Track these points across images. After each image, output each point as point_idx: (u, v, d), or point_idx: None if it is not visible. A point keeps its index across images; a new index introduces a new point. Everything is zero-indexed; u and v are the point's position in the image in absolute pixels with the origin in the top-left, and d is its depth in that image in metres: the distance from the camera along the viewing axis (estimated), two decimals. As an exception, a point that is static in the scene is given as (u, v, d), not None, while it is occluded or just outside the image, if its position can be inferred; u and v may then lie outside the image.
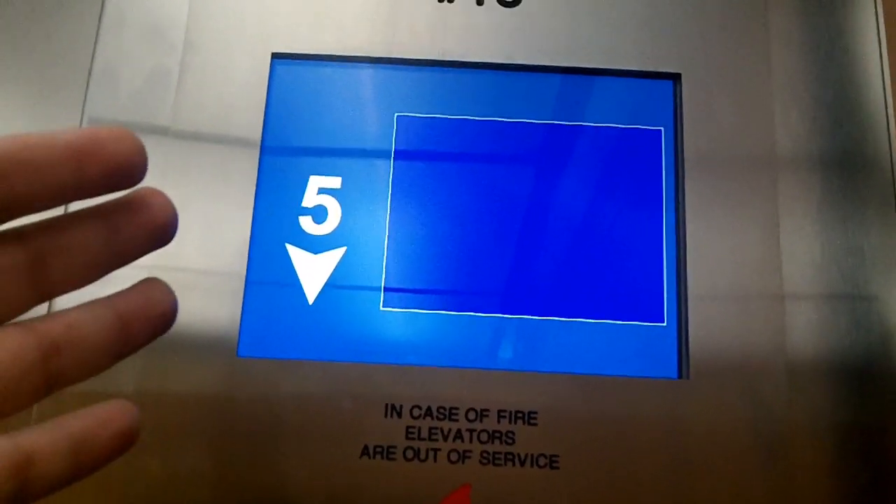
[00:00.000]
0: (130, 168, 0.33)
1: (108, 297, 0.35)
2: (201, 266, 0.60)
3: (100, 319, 0.34)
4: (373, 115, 0.64)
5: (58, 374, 0.33)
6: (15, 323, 0.33)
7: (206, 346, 0.59)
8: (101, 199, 0.35)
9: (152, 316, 0.36)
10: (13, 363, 0.31)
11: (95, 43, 0.66)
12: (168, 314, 0.37)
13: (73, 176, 0.32)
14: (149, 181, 0.58)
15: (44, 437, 0.32)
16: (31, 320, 0.33)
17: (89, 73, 0.66)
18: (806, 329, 0.60)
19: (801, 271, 0.61)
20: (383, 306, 0.60)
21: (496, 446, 0.57)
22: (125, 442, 0.35)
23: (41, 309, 0.34)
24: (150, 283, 0.37)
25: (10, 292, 0.32)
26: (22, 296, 0.33)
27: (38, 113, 0.76)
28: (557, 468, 0.57)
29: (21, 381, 0.31)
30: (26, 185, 0.31)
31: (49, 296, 0.34)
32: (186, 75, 0.65)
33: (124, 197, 0.35)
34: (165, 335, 0.56)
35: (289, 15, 0.66)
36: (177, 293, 0.57)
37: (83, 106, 0.65)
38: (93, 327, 0.34)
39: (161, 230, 0.36)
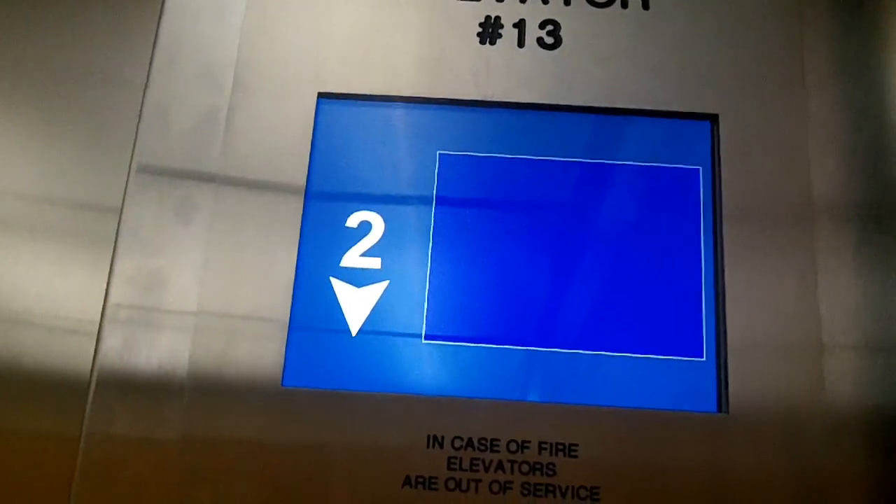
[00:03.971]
0: None
1: None
2: (249, 300, 0.62)
3: None
4: (416, 153, 0.66)
5: None
6: None
7: (251, 378, 0.60)
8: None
9: None
10: None
11: (146, 84, 0.69)
12: None
13: None
14: (199, 220, 0.60)
15: None
16: None
17: (139, 115, 0.68)
18: (843, 368, 0.60)
19: (838, 314, 0.62)
20: (425, 339, 0.61)
21: (537, 478, 0.58)
22: None
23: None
24: None
25: None
26: None
27: (88, 156, 0.78)
28: (598, 500, 0.57)
29: None
30: None
31: None
32: (235, 115, 0.67)
33: None
34: (213, 374, 0.58)
35: (335, 56, 0.68)
36: (224, 328, 0.59)
37: (133, 148, 0.67)
38: None
39: None
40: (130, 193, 0.65)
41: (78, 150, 0.79)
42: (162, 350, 0.61)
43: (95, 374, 0.61)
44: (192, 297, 0.62)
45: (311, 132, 0.66)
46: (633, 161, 0.66)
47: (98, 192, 0.77)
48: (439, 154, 0.66)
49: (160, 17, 0.71)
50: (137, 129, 0.68)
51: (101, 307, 0.72)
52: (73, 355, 0.72)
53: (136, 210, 0.64)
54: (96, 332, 0.72)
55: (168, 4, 0.71)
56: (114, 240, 0.73)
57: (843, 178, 0.65)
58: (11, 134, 0.80)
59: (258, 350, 0.61)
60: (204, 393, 0.60)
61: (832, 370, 0.60)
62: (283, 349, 0.60)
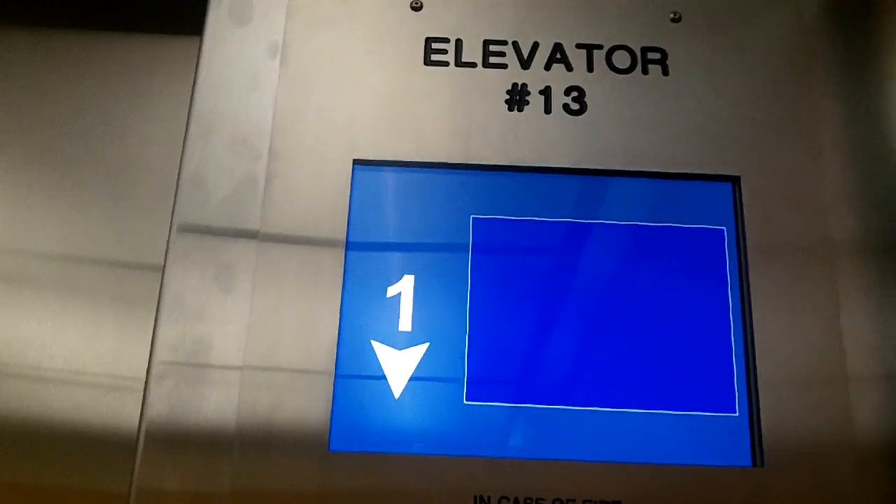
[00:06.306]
0: None
1: None
2: (293, 359, 0.63)
3: None
4: (450, 218, 0.68)
5: None
6: None
7: (299, 442, 0.61)
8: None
9: None
10: None
11: (182, 152, 0.70)
12: None
13: None
14: (240, 285, 0.62)
15: None
16: None
17: (177, 182, 0.70)
18: (871, 413, 0.62)
19: (863, 356, 0.64)
20: (467, 400, 0.63)
21: (583, 537, 0.59)
22: None
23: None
24: None
25: None
26: None
27: (115, 216, 0.80)
28: (643, 557, 0.59)
29: None
30: None
31: None
32: (272, 182, 0.69)
33: None
34: (261, 434, 0.59)
35: (368, 124, 0.71)
36: (270, 385, 0.60)
37: (172, 214, 0.69)
38: None
39: None
40: (172, 257, 0.66)
41: (104, 211, 0.80)
42: (209, 407, 0.62)
43: (143, 431, 0.62)
44: (238, 354, 0.63)
45: (348, 198, 0.68)
46: (660, 222, 0.68)
47: (125, 251, 0.79)
48: (473, 218, 0.68)
49: (194, 86, 0.73)
50: (176, 196, 0.69)
51: (132, 364, 0.73)
52: (109, 412, 0.73)
53: (178, 273, 0.66)
54: (132, 389, 0.73)
55: (202, 74, 0.73)
56: (142, 296, 0.75)
57: (858, 223, 0.68)
58: (38, 195, 0.81)
59: (304, 412, 0.62)
60: (253, 450, 0.61)
61: (858, 402, 0.62)
62: (329, 412, 0.62)
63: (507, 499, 0.60)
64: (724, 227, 0.68)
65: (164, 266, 0.67)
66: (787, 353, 0.64)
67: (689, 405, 0.63)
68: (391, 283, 0.66)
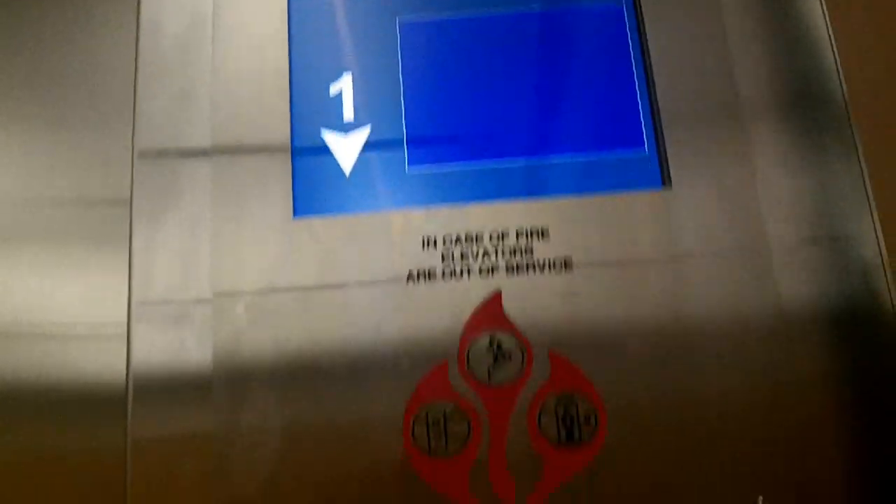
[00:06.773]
0: None
1: None
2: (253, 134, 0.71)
3: None
4: (379, 23, 0.77)
5: None
6: None
7: (264, 208, 0.69)
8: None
9: None
10: None
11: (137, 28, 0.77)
12: None
13: None
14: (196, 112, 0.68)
15: None
16: None
17: (137, 39, 0.76)
18: (770, 151, 0.71)
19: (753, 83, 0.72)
20: (409, 167, 0.72)
21: (518, 259, 0.68)
22: None
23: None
24: None
25: None
26: None
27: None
28: (571, 268, 0.67)
29: None
30: None
31: None
32: (219, 21, 0.76)
33: None
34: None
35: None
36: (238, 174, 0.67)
37: (135, 65, 0.76)
38: None
39: None
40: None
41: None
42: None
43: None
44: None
45: (287, 23, 0.76)
46: (565, 5, 0.77)
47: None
48: (398, 20, 0.77)
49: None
50: (136, 45, 0.76)
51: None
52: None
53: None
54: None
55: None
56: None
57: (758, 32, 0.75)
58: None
59: (266, 178, 0.70)
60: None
61: (757, 141, 0.71)
62: (290, 186, 0.70)
63: (451, 236, 0.69)
64: (623, 5, 0.77)
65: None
66: (684, 98, 0.72)
67: (605, 147, 0.72)
68: (332, 82, 0.75)
